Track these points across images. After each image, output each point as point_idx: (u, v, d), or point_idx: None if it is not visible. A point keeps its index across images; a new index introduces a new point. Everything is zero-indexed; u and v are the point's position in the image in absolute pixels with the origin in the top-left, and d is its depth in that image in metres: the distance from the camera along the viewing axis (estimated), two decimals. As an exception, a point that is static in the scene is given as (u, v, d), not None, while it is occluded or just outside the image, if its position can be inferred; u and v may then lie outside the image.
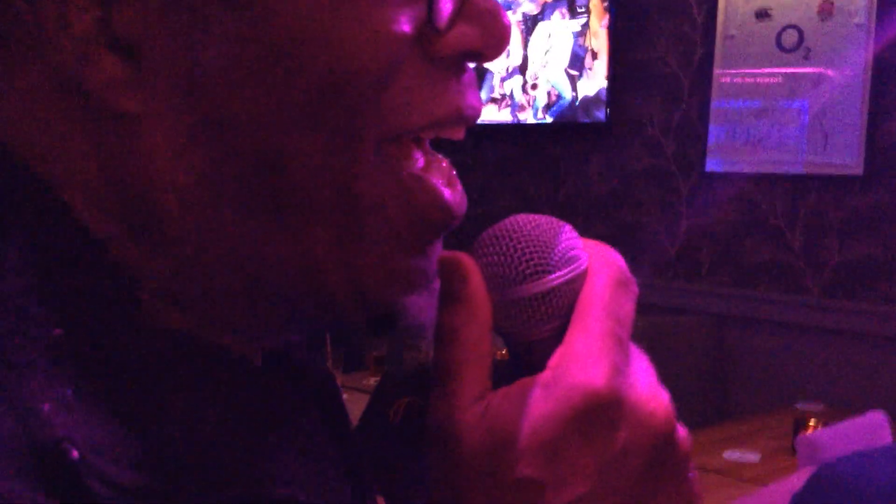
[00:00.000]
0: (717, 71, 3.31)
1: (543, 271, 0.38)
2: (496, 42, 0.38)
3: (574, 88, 3.69)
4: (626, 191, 3.63)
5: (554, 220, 0.39)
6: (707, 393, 3.24)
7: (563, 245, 0.39)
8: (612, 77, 3.57)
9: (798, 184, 3.19)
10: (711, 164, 3.36)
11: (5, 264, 0.31)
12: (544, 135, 3.89)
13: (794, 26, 3.14)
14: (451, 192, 0.40)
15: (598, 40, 3.59)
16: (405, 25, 0.35)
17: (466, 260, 0.38)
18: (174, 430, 0.33)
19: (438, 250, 0.41)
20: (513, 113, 3.92)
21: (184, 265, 0.37)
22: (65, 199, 0.35)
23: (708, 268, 3.42)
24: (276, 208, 0.36)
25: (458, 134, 0.41)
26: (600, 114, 3.62)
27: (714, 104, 3.33)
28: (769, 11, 3.19)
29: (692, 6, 3.40)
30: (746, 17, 3.25)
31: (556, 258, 0.38)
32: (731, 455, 2.48)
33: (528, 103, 3.86)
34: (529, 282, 0.38)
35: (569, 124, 3.75)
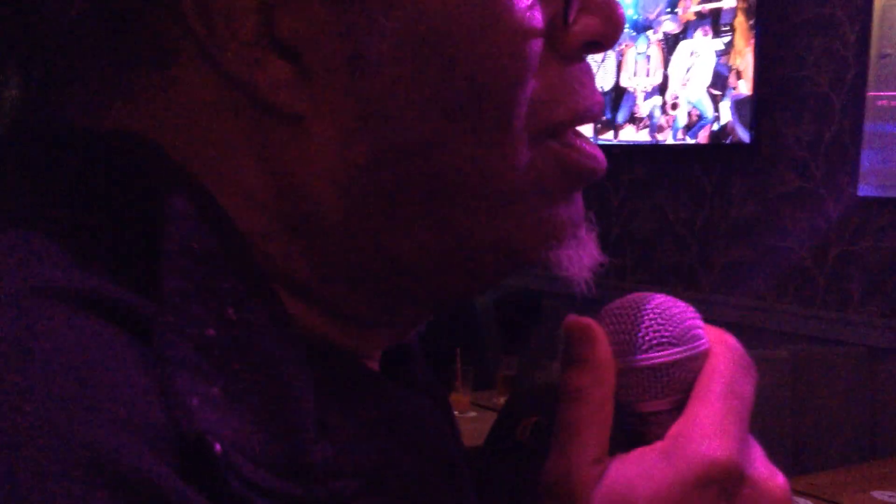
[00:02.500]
0: (870, 93, 3.16)
1: (668, 343, 0.40)
2: (615, 29, 0.41)
3: (716, 108, 3.60)
4: (771, 214, 3.50)
5: (679, 301, 0.42)
6: (856, 429, 3.08)
7: (688, 323, 0.41)
8: (757, 97, 3.46)
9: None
10: (864, 189, 3.21)
11: (167, 264, 0.32)
12: (684, 156, 3.80)
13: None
14: (595, 146, 0.43)
15: (743, 59, 3.48)
16: (539, 23, 0.38)
17: (595, 325, 0.40)
18: (318, 440, 0.34)
19: (581, 199, 0.43)
20: (651, 133, 3.85)
21: (334, 257, 0.39)
22: (220, 202, 0.36)
23: (859, 297, 3.26)
24: (429, 198, 0.38)
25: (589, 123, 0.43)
26: (744, 134, 3.52)
27: (867, 127, 3.18)
28: (930, 28, 3.03)
29: (844, 23, 3.26)
30: (905, 33, 3.09)
31: (680, 333, 0.40)
32: (881, 495, 2.35)
33: (668, 123, 3.78)
34: (653, 352, 0.40)
35: (710, 145, 3.65)
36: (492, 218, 0.39)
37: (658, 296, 0.42)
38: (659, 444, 0.38)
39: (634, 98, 3.92)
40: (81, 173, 0.36)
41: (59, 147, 0.37)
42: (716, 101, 3.60)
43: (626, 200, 4.03)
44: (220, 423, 0.31)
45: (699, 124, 3.67)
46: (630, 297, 0.42)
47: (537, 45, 0.38)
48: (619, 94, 3.99)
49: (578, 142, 0.42)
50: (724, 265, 3.67)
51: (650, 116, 3.85)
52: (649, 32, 3.83)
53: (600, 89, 3.99)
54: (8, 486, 0.25)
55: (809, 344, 3.22)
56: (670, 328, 0.41)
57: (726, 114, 3.57)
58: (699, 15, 3.64)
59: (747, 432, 0.39)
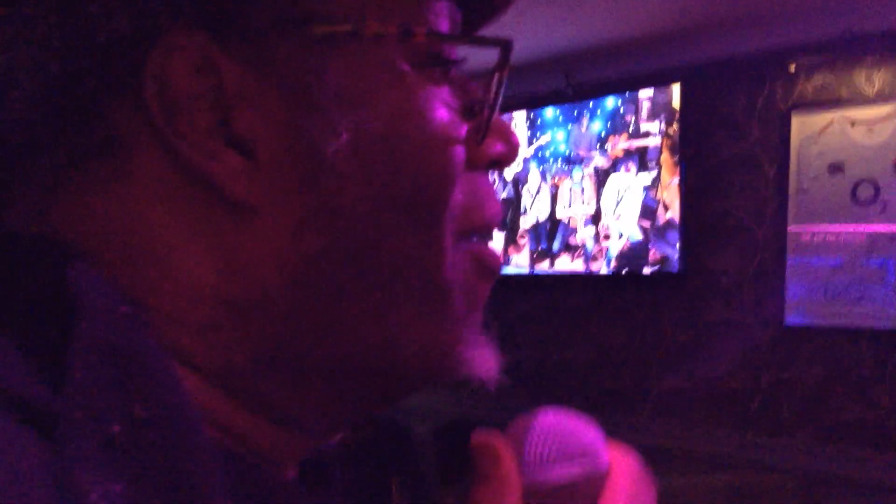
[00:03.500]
0: (791, 227, 3.29)
1: (570, 461, 0.42)
2: (514, 154, 0.46)
3: (646, 239, 3.71)
4: (703, 343, 3.57)
5: (582, 419, 0.44)
6: (794, 557, 3.06)
7: (590, 441, 0.43)
8: (684, 229, 3.58)
9: (886, 339, 3.10)
10: (791, 318, 3.30)
11: (76, 359, 0.32)
12: (617, 285, 3.88)
13: (868, 180, 3.13)
14: (493, 251, 0.46)
15: (670, 192, 3.62)
16: (462, 134, 0.42)
17: (500, 442, 0.42)
18: None
19: (483, 306, 0.46)
20: (585, 263, 3.94)
21: (276, 349, 0.39)
22: (163, 293, 0.37)
23: (791, 423, 3.31)
24: (370, 290, 0.40)
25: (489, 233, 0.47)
26: (673, 265, 3.62)
27: (791, 259, 3.29)
28: (842, 166, 3.20)
29: (763, 162, 3.42)
30: (820, 171, 3.25)
31: (583, 451, 0.42)
32: None
33: (601, 254, 3.88)
34: (557, 469, 0.42)
35: (641, 275, 3.75)
36: (420, 316, 0.42)
37: (561, 413, 0.44)
38: None
39: (569, 228, 4.02)
40: (2, 280, 0.35)
41: None
42: (646, 232, 3.71)
43: (562, 329, 4.07)
44: None
45: (630, 254, 3.77)
46: (532, 417, 0.44)
47: (462, 155, 0.42)
48: (554, 224, 4.09)
49: (486, 248, 0.45)
50: (659, 392, 3.70)
51: (584, 246, 3.95)
52: (581, 166, 3.97)
53: (535, 219, 4.09)
54: None
55: (745, 471, 3.23)
56: (572, 447, 0.42)
57: (656, 245, 3.67)
58: (627, 151, 3.79)
59: None
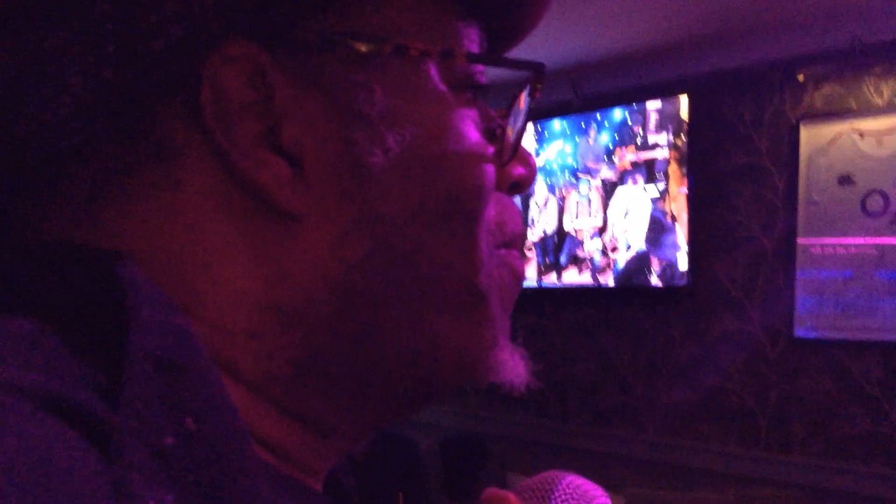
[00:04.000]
0: (800, 239, 3.28)
1: None
2: (533, 177, 0.49)
3: (654, 252, 3.69)
4: (711, 357, 3.55)
5: (589, 481, 0.46)
6: (804, 574, 3.03)
7: (597, 502, 0.45)
8: (692, 241, 3.56)
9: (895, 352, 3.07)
10: (800, 331, 3.28)
11: (129, 371, 0.32)
12: (625, 298, 3.86)
13: (878, 191, 3.11)
14: (522, 263, 0.50)
15: (678, 205, 3.61)
16: (491, 155, 0.45)
17: (512, 498, 0.43)
18: None
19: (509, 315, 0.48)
20: (593, 275, 3.92)
21: (318, 355, 0.41)
22: (209, 303, 0.38)
23: (801, 438, 3.28)
24: (410, 298, 0.42)
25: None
26: (681, 278, 3.60)
27: (800, 272, 3.27)
28: (852, 177, 3.18)
29: (772, 172, 3.41)
30: (829, 182, 3.24)
31: None
32: None
33: (609, 266, 3.86)
34: None
35: (649, 287, 3.73)
36: (457, 324, 0.44)
37: (570, 475, 0.46)
38: None
39: (576, 241, 4.00)
40: (56, 286, 0.36)
41: (39, 262, 0.37)
42: (654, 244, 3.70)
43: (569, 342, 4.06)
44: None
45: (638, 267, 3.75)
46: (545, 474, 0.46)
47: (493, 173, 0.45)
48: (561, 237, 4.07)
49: (516, 257, 0.48)
50: (667, 406, 3.67)
51: (591, 259, 3.93)
52: (588, 178, 3.95)
53: (542, 232, 4.08)
54: None
55: (754, 486, 3.20)
56: None
57: (664, 257, 3.65)
58: (635, 163, 3.78)
59: None
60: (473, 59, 0.44)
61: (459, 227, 0.43)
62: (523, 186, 0.49)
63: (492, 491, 0.43)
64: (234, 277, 0.39)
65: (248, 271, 0.39)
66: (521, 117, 0.47)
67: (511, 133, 0.47)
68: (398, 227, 0.41)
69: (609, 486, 2.95)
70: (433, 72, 0.42)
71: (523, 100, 0.47)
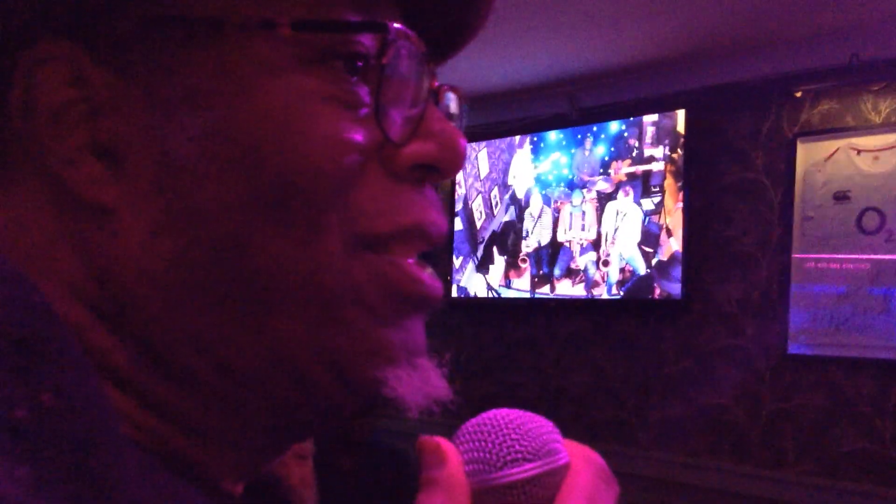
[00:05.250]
0: (795, 255, 3.27)
1: (523, 459, 0.39)
2: (451, 157, 0.43)
3: (648, 265, 3.68)
4: (704, 371, 3.54)
5: (537, 416, 0.41)
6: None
7: (545, 437, 0.40)
8: (687, 254, 3.55)
9: (890, 369, 3.06)
10: (794, 347, 3.27)
11: None
12: (618, 310, 3.85)
13: (874, 209, 3.11)
14: (423, 272, 0.43)
15: (673, 218, 3.60)
16: (357, 136, 0.40)
17: (445, 444, 0.40)
18: None
19: (419, 328, 0.44)
20: (587, 288, 3.91)
21: (157, 354, 0.39)
22: (42, 290, 0.36)
23: (793, 455, 3.26)
24: (242, 297, 0.39)
25: (422, 246, 0.44)
26: (675, 291, 3.59)
27: (794, 287, 3.27)
28: (848, 194, 3.18)
29: (768, 187, 3.40)
30: (825, 198, 3.23)
31: (536, 448, 0.40)
32: None
33: (602, 279, 3.85)
34: (509, 468, 0.39)
35: (643, 301, 3.71)
36: (311, 326, 0.40)
37: (514, 411, 0.41)
38: None
39: (571, 252, 3.99)
40: None
41: None
42: (647, 257, 3.69)
43: (561, 355, 4.04)
44: (21, 498, 0.29)
45: (632, 280, 3.75)
46: (485, 414, 0.41)
47: (354, 157, 0.40)
48: (555, 248, 4.06)
49: (405, 263, 0.42)
50: (659, 421, 3.66)
51: (585, 271, 3.92)
52: (583, 190, 3.95)
53: (537, 243, 4.06)
54: None
55: (745, 502, 3.19)
56: (525, 443, 0.40)
57: (658, 271, 3.64)
58: (630, 176, 3.77)
59: None
60: (300, 27, 0.39)
61: (298, 217, 0.39)
62: (437, 169, 0.43)
63: (425, 439, 0.40)
64: (62, 271, 0.39)
65: (73, 266, 0.39)
66: (414, 90, 0.43)
67: (408, 109, 0.42)
68: (217, 219, 0.38)
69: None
70: (264, 49, 0.39)
71: (390, 68, 0.41)
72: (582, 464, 0.40)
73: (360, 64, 0.41)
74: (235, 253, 0.39)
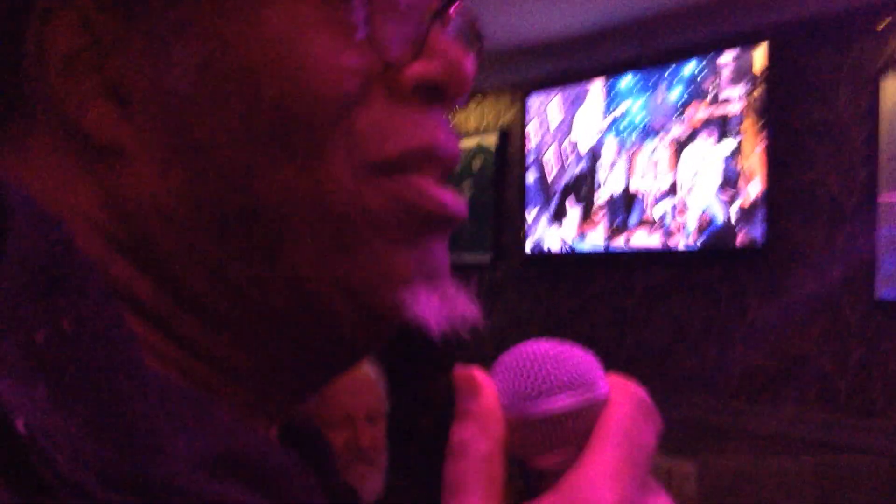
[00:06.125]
0: (882, 196, 3.14)
1: (559, 389, 0.38)
2: (456, 76, 0.42)
3: (727, 212, 3.58)
4: (789, 320, 3.45)
5: (577, 348, 0.40)
6: (887, 544, 2.95)
7: (583, 368, 0.39)
8: (768, 200, 3.44)
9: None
10: (885, 293, 3.15)
11: (4, 275, 0.33)
12: (696, 260, 3.77)
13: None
14: (442, 190, 0.43)
15: (753, 162, 3.49)
16: (354, 59, 0.40)
17: (480, 374, 0.39)
18: (157, 457, 0.33)
19: (441, 249, 0.44)
20: (663, 238, 3.83)
21: (175, 285, 0.40)
22: (67, 229, 0.37)
23: (883, 403, 3.17)
24: (253, 227, 0.40)
25: (437, 169, 0.43)
26: (757, 238, 3.49)
27: (883, 229, 3.15)
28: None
29: (852, 126, 3.27)
30: (914, 135, 3.09)
31: (574, 378, 0.39)
32: None
33: (679, 228, 3.77)
34: (544, 398, 0.38)
35: (723, 250, 3.62)
36: (323, 253, 0.41)
37: (552, 343, 0.40)
38: (548, 495, 0.36)
39: (645, 202, 3.91)
40: None
41: None
42: (726, 204, 3.59)
43: (639, 307, 3.99)
44: (39, 418, 0.31)
45: (710, 228, 3.65)
46: (523, 345, 0.40)
47: (355, 80, 0.40)
48: (629, 198, 3.99)
49: (423, 183, 0.42)
50: (742, 372, 3.59)
51: (661, 220, 3.84)
52: (658, 136, 3.85)
53: (610, 194, 3.99)
54: None
55: (833, 452, 3.12)
56: (562, 374, 0.38)
57: (738, 217, 3.55)
58: (707, 119, 3.66)
59: (645, 480, 0.37)
60: None
61: (300, 145, 0.39)
62: (442, 91, 0.43)
63: (460, 369, 0.39)
64: (81, 210, 0.40)
65: (92, 205, 0.41)
66: (415, 11, 0.42)
67: (408, 30, 0.42)
68: (220, 150, 0.40)
69: (682, 453, 2.91)
70: None
71: None
72: (622, 397, 0.39)
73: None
74: (241, 183, 0.40)
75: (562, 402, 0.38)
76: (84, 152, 0.41)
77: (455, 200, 0.44)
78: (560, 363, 0.39)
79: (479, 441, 0.37)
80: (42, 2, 0.40)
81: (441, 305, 0.42)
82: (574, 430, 0.38)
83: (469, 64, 0.43)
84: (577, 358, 0.39)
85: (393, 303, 0.42)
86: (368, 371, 1.83)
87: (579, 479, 0.36)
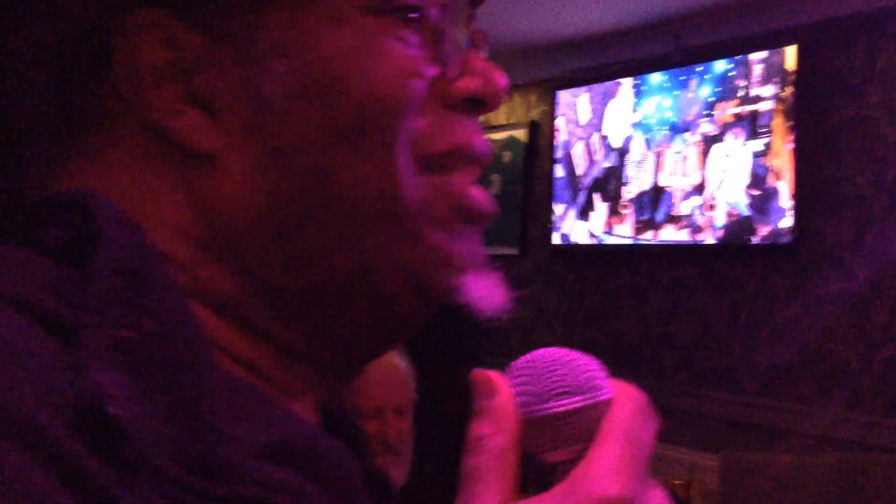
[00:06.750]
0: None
1: (568, 392, 0.43)
2: (493, 91, 0.49)
3: (756, 209, 3.58)
4: (815, 317, 3.44)
5: (584, 355, 0.45)
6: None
7: (590, 374, 0.44)
8: (797, 198, 3.44)
9: None
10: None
11: (95, 278, 0.38)
12: (723, 255, 3.77)
13: None
14: (477, 189, 0.50)
15: (782, 159, 3.48)
16: (421, 69, 0.46)
17: (495, 376, 0.43)
18: (227, 444, 0.38)
19: (478, 240, 0.50)
20: (691, 233, 3.83)
21: (258, 280, 0.45)
22: (150, 236, 0.42)
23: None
24: (330, 219, 0.45)
25: (474, 167, 0.50)
26: (785, 235, 3.49)
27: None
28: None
29: (882, 123, 3.26)
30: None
31: (581, 383, 0.43)
32: None
33: (707, 224, 3.77)
34: (555, 400, 0.42)
35: (750, 245, 3.63)
36: (389, 241, 0.46)
37: (561, 350, 0.45)
38: (557, 487, 0.40)
39: (673, 197, 3.92)
40: (36, 221, 0.42)
41: (22, 205, 0.44)
42: (755, 200, 3.59)
43: (665, 301, 3.99)
44: (126, 404, 0.35)
45: (738, 224, 3.66)
46: (535, 352, 0.45)
47: (418, 87, 0.46)
48: (657, 193, 3.99)
49: (463, 181, 0.49)
50: (767, 368, 3.59)
51: (690, 216, 3.84)
52: (686, 134, 3.86)
53: (639, 188, 4.00)
54: None
55: (856, 450, 3.11)
56: (571, 379, 0.43)
57: (766, 213, 3.55)
58: (737, 117, 3.66)
59: (643, 477, 0.41)
60: None
61: (374, 143, 0.45)
62: (482, 101, 0.49)
63: (478, 372, 0.43)
64: (169, 215, 0.44)
65: (180, 210, 0.44)
66: (460, 33, 0.49)
67: (457, 49, 0.49)
68: (305, 152, 0.44)
69: (705, 448, 2.92)
70: (331, 2, 0.45)
71: (442, 14, 0.48)
72: (624, 399, 0.43)
73: (415, 15, 0.47)
74: (322, 180, 0.45)
75: (571, 404, 0.43)
76: (173, 160, 0.44)
77: (488, 199, 0.50)
78: (569, 369, 0.43)
79: (495, 437, 0.41)
80: (132, 18, 0.44)
81: (483, 290, 0.48)
82: (581, 429, 0.42)
83: (502, 81, 0.49)
84: (584, 364, 0.44)
85: (446, 287, 0.48)
86: (399, 364, 1.86)
87: (586, 473, 0.40)
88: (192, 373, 0.38)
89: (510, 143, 4.78)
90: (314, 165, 0.45)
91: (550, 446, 0.43)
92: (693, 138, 3.83)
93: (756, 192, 3.59)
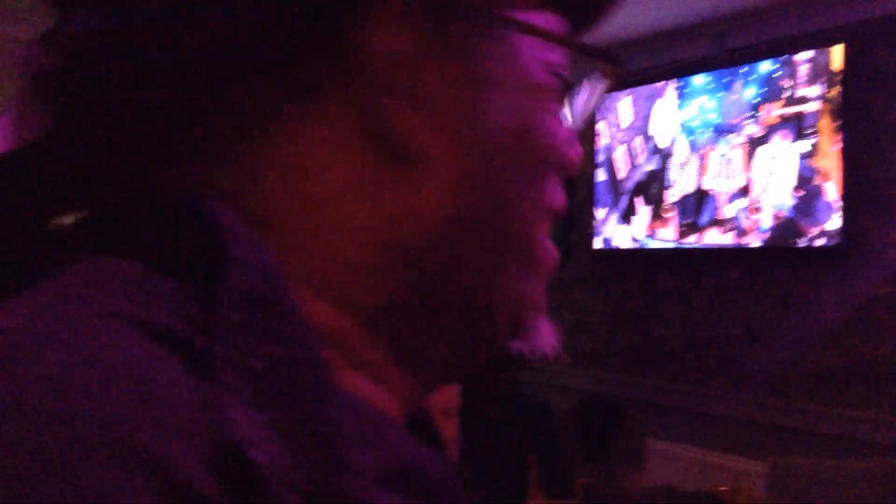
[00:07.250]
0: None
1: None
2: (576, 163, 0.51)
3: (803, 211, 3.52)
4: (864, 322, 3.38)
5: None
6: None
7: None
8: (844, 199, 3.38)
9: None
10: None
11: (224, 304, 0.36)
12: (769, 259, 3.72)
13: None
14: (551, 244, 0.52)
15: (829, 161, 3.43)
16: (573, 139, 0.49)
17: None
18: (357, 478, 0.36)
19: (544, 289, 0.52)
20: (736, 236, 3.78)
21: (426, 286, 0.45)
22: (322, 236, 0.42)
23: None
24: (495, 247, 0.46)
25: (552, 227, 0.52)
26: (832, 237, 3.43)
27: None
28: None
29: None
30: None
31: None
32: None
33: (753, 227, 3.72)
34: None
35: (797, 248, 3.57)
36: (517, 275, 0.48)
37: None
38: None
39: (717, 200, 3.87)
40: (158, 233, 0.40)
41: (145, 212, 0.41)
42: (802, 203, 3.53)
43: (710, 305, 3.94)
44: (261, 443, 0.33)
45: (785, 227, 3.60)
46: None
47: (576, 155, 0.50)
48: (701, 196, 3.95)
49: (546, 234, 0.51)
50: (814, 373, 3.53)
51: (734, 219, 3.79)
52: (731, 136, 3.81)
53: (682, 192, 3.96)
54: (65, 478, 0.28)
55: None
56: None
57: (813, 216, 3.49)
58: (782, 118, 3.61)
59: None
60: (561, 39, 0.49)
61: (539, 184, 0.48)
62: (568, 170, 0.51)
63: None
64: (356, 213, 0.42)
65: (371, 209, 0.42)
66: (578, 106, 0.54)
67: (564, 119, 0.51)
68: (498, 183, 0.45)
69: (751, 454, 2.88)
70: (533, 50, 0.47)
71: (586, 91, 0.51)
72: None
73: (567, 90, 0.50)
74: (500, 210, 0.46)
75: None
76: (376, 151, 0.42)
77: (556, 254, 0.52)
78: None
79: None
80: (373, 2, 0.42)
81: (545, 334, 0.50)
82: None
83: (579, 157, 0.52)
84: None
85: (530, 326, 0.50)
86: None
87: None
88: (318, 402, 0.36)
89: (551, 146, 4.76)
90: (499, 196, 0.46)
91: None
92: (738, 140, 3.78)
93: (803, 194, 3.53)
